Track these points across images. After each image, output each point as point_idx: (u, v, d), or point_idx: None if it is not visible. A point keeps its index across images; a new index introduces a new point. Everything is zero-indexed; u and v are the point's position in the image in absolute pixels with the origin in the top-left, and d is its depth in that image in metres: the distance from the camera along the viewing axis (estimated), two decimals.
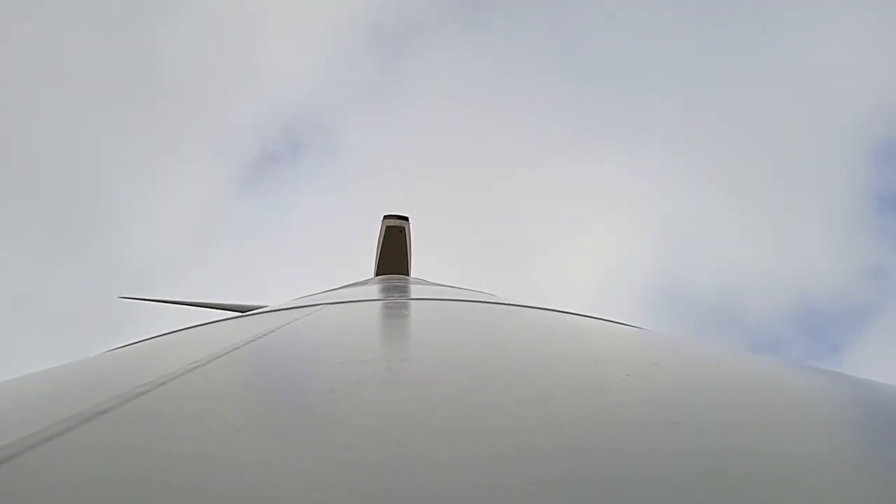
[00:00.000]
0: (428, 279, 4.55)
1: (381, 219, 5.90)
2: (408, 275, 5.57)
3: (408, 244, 5.81)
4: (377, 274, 5.64)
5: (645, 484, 0.48)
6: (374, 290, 2.93)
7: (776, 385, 0.96)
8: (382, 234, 5.81)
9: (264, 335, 1.22)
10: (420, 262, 5.98)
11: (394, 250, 5.73)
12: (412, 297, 2.53)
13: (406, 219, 5.89)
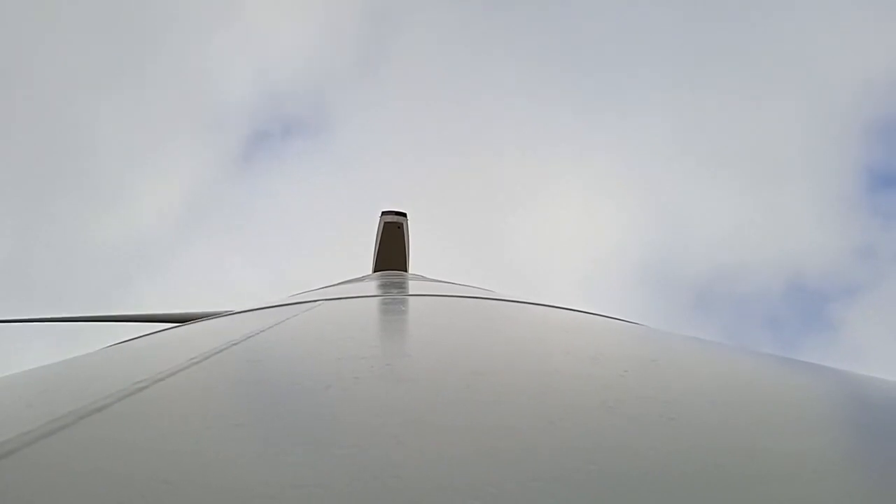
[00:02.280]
0: (426, 275, 4.55)
1: (380, 215, 5.90)
2: (406, 271, 5.57)
3: (406, 240, 5.81)
4: (375, 270, 5.64)
5: (642, 480, 0.48)
6: (371, 287, 2.93)
7: (773, 381, 0.96)
8: (381, 230, 5.81)
9: (262, 331, 1.22)
10: (418, 257, 5.98)
11: (392, 246, 5.73)
12: (410, 293, 2.53)
13: (404, 215, 5.89)
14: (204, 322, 1.66)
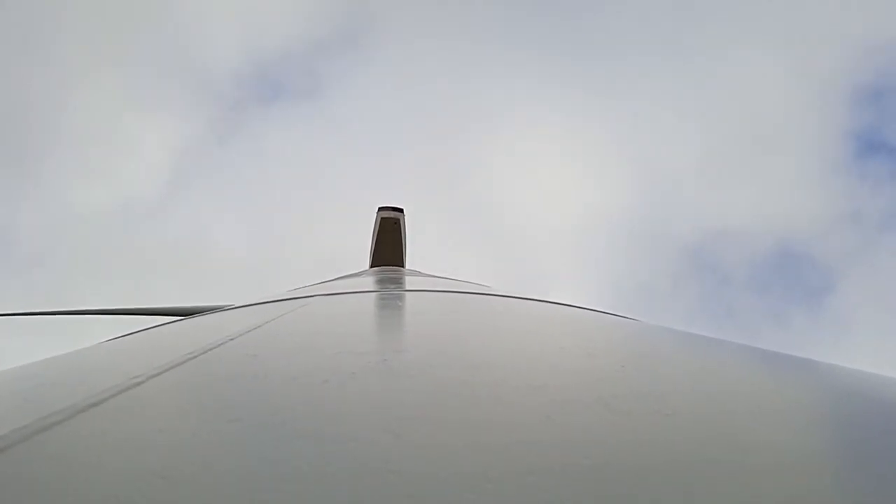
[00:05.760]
0: (423, 271, 4.55)
1: (377, 210, 5.91)
2: (403, 267, 5.58)
3: (403, 236, 5.82)
4: (372, 266, 5.65)
5: (639, 474, 0.48)
6: (368, 282, 2.93)
7: (769, 377, 0.97)
8: (377, 225, 5.82)
9: (258, 326, 1.22)
10: (416, 253, 5.99)
11: (388, 242, 5.74)
12: (407, 288, 2.53)
13: (401, 210, 5.90)
14: (199, 318, 1.66)
